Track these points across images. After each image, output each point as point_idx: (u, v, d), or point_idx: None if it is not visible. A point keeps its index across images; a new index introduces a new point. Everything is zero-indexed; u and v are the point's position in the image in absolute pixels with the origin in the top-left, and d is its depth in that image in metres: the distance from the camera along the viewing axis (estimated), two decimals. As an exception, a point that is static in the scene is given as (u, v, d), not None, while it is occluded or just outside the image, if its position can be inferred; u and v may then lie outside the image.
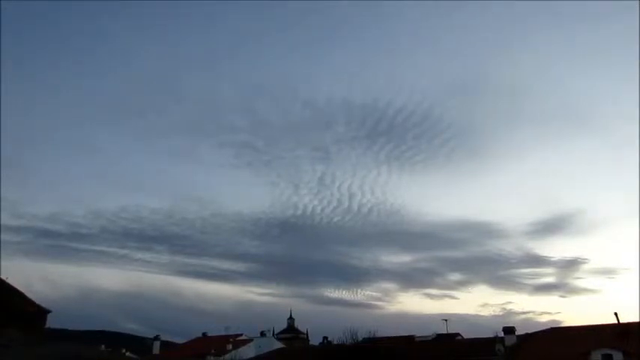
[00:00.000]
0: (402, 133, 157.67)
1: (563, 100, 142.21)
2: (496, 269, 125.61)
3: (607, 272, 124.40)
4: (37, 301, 31.06)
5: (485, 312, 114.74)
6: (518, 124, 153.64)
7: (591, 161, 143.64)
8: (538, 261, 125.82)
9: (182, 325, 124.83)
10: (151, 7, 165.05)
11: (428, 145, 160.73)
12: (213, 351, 46.92)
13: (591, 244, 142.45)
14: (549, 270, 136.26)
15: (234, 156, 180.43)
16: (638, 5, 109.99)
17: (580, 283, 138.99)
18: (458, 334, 47.55)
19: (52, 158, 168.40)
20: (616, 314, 30.96)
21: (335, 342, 39.15)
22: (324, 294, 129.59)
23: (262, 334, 56.28)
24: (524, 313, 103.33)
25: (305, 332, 74.95)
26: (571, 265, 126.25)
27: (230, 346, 48.44)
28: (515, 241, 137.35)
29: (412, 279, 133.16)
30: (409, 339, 44.04)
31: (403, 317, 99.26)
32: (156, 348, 54.00)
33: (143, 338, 71.40)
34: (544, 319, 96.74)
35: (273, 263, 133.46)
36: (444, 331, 46.07)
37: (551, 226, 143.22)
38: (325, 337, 57.51)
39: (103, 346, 51.45)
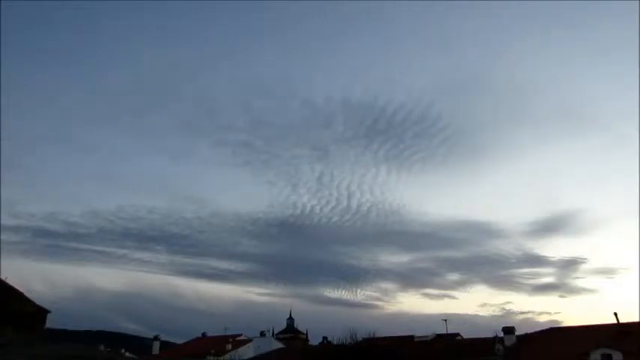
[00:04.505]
0: (401, 132, 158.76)
1: (563, 100, 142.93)
2: (495, 269, 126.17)
3: (606, 272, 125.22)
4: (37, 301, 31.05)
5: (485, 312, 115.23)
6: (517, 123, 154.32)
7: (591, 161, 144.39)
8: (537, 261, 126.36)
9: (181, 325, 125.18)
10: (150, 7, 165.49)
11: (427, 144, 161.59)
12: (212, 351, 46.92)
13: (591, 244, 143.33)
14: (549, 270, 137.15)
15: (232, 155, 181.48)
16: (638, 5, 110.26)
17: (579, 283, 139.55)
18: (457, 334, 47.53)
19: (50, 158, 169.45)
20: (615, 314, 30.97)
21: (334, 342, 39.02)
22: (323, 294, 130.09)
23: (262, 334, 56.25)
24: (523, 313, 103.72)
25: (304, 332, 74.96)
26: (570, 265, 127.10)
27: (229, 346, 48.39)
28: (514, 241, 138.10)
29: (411, 279, 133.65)
30: (409, 339, 43.97)
31: (402, 317, 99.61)
32: (155, 348, 54.00)
33: (143, 338, 71.47)
34: (543, 319, 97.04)
35: (272, 263, 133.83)
36: (444, 331, 45.98)
37: (551, 226, 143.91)
38: (325, 337, 57.52)
39: (102, 346, 51.37)
